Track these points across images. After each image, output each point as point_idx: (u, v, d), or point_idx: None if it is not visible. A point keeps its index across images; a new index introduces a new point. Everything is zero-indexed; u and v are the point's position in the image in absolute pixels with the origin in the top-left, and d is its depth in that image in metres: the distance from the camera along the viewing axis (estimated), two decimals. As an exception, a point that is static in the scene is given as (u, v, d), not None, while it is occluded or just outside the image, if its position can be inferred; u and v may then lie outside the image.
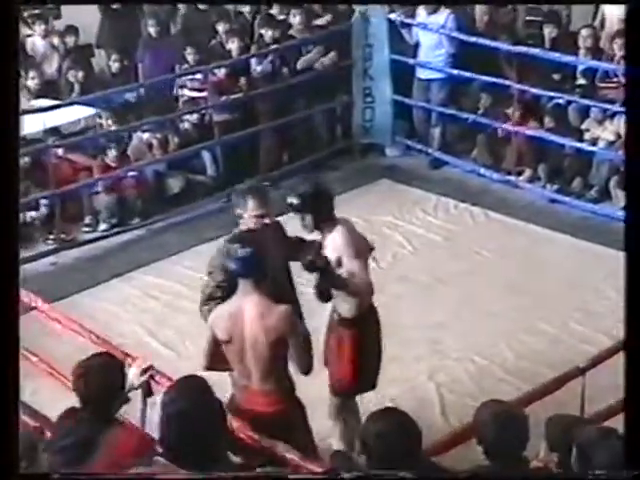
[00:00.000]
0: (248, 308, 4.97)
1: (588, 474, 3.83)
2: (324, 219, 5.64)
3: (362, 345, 5.72)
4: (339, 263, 5.49)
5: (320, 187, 5.78)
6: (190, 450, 3.51)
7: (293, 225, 5.78)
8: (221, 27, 10.30)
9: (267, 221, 5.58)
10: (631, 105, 3.72)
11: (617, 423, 3.93)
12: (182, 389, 3.88)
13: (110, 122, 9.63)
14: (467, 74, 9.97)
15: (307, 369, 5.08)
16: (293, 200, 5.66)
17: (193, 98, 10.02)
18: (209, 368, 5.16)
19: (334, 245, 5.56)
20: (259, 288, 4.98)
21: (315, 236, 5.73)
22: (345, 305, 5.66)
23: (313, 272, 5.41)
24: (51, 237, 8.84)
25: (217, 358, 5.13)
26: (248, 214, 5.58)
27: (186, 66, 10.02)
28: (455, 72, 10.06)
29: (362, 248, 5.67)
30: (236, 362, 5.08)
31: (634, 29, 3.68)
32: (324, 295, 5.53)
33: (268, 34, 9.99)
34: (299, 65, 10.10)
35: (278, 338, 4.95)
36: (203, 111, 10.01)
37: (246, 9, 10.78)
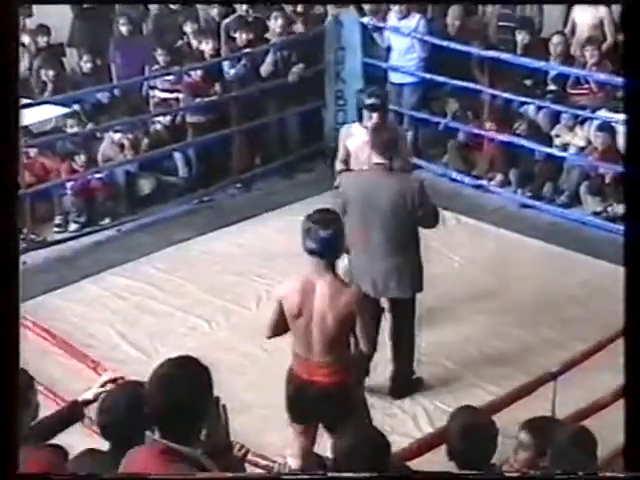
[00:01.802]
0: (320, 286, 5.20)
1: (588, 474, 3.85)
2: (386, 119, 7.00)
3: None
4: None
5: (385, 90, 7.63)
6: (173, 419, 3.45)
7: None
8: (189, 28, 10.27)
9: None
10: (630, 114, 3.70)
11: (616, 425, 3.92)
12: (170, 361, 3.82)
13: (80, 123, 9.59)
14: (439, 78, 9.99)
15: (370, 349, 5.44)
16: (374, 101, 6.86)
17: (164, 99, 9.99)
18: (271, 337, 5.51)
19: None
20: (332, 268, 5.23)
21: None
22: None
23: None
24: (21, 237, 8.74)
25: (280, 329, 5.42)
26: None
27: (157, 67, 9.99)
28: (427, 76, 10.09)
29: None
30: (301, 335, 5.31)
31: (631, 28, 3.67)
32: None
33: (242, 37, 9.95)
34: (263, 72, 10.05)
35: (345, 317, 5.18)
36: (175, 112, 9.98)
37: (214, 11, 10.72)
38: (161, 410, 3.43)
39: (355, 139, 7.04)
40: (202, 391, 3.50)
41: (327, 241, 5.13)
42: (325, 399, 5.30)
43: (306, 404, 5.41)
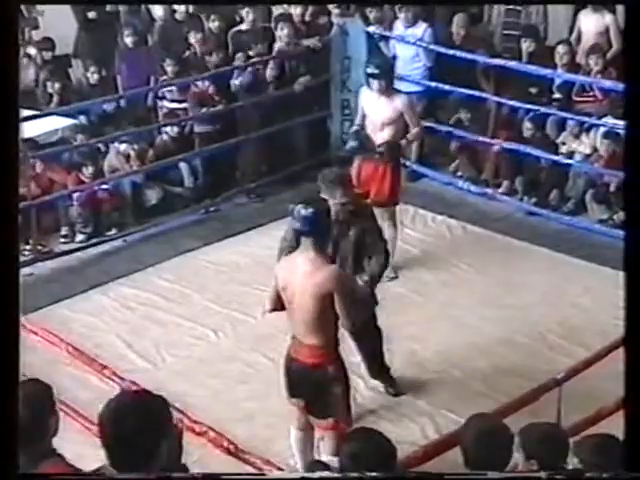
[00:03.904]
0: (301, 262, 5.34)
1: (588, 474, 3.85)
2: (389, 85, 8.02)
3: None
4: (400, 115, 7.92)
5: (392, 60, 8.84)
6: (125, 454, 3.46)
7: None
8: (193, 38, 10.28)
9: (350, 208, 6.27)
10: (630, 120, 3.71)
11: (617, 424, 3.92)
12: (126, 396, 3.82)
13: (86, 134, 9.62)
14: (445, 87, 10.00)
15: (351, 327, 5.51)
16: (374, 70, 7.93)
17: (172, 109, 10.02)
18: (271, 311, 5.65)
19: (399, 104, 7.97)
20: (317, 246, 5.35)
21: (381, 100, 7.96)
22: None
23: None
24: (27, 248, 8.78)
25: (277, 304, 5.57)
26: (334, 201, 6.15)
27: (165, 77, 10.02)
28: (433, 85, 10.10)
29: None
30: (288, 313, 5.47)
31: (632, 29, 3.68)
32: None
33: (258, 49, 9.99)
34: (268, 76, 10.09)
35: (323, 295, 5.28)
36: (183, 122, 10.01)
37: (215, 24, 10.72)
38: (110, 443, 3.44)
39: (368, 100, 8.10)
40: (152, 424, 3.50)
41: (308, 219, 5.30)
42: (304, 378, 5.47)
43: (290, 380, 5.57)
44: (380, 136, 7.98)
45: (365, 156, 8.06)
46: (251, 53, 10.04)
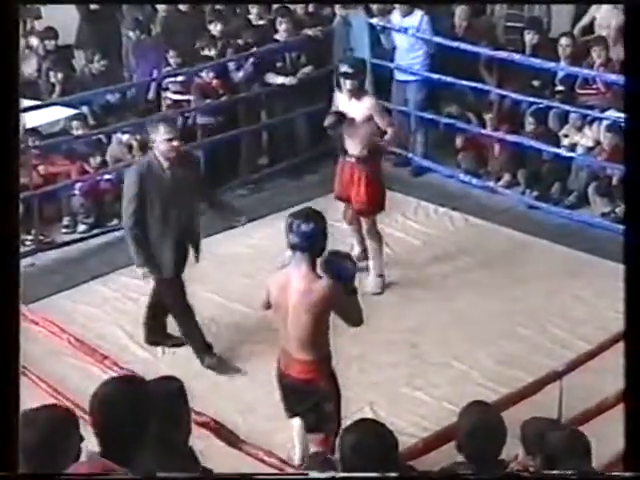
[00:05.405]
0: (295, 280, 5.23)
1: (590, 474, 3.84)
2: (361, 87, 7.78)
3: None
4: (369, 119, 7.63)
5: (363, 60, 8.32)
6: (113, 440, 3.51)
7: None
8: (214, 27, 10.28)
9: (176, 144, 6.66)
10: (630, 113, 3.71)
11: (617, 424, 3.91)
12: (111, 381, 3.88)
13: (87, 124, 9.62)
14: (446, 79, 9.94)
15: (357, 324, 5.39)
16: (348, 69, 7.64)
17: (176, 101, 10.01)
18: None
19: (367, 106, 7.67)
20: (310, 262, 5.23)
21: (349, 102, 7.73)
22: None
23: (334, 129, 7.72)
24: (29, 238, 8.79)
25: (268, 308, 5.49)
26: (160, 138, 6.63)
27: (168, 69, 10.01)
28: (434, 75, 10.04)
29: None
30: (280, 328, 5.36)
31: (632, 29, 3.68)
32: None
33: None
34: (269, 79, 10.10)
35: (320, 312, 5.20)
36: (186, 114, 10.00)
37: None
38: (100, 429, 3.48)
39: (341, 103, 7.88)
40: (140, 412, 3.54)
41: (308, 235, 5.19)
42: (296, 394, 5.43)
43: (283, 395, 5.56)
44: (354, 139, 7.79)
45: (345, 161, 7.92)
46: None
